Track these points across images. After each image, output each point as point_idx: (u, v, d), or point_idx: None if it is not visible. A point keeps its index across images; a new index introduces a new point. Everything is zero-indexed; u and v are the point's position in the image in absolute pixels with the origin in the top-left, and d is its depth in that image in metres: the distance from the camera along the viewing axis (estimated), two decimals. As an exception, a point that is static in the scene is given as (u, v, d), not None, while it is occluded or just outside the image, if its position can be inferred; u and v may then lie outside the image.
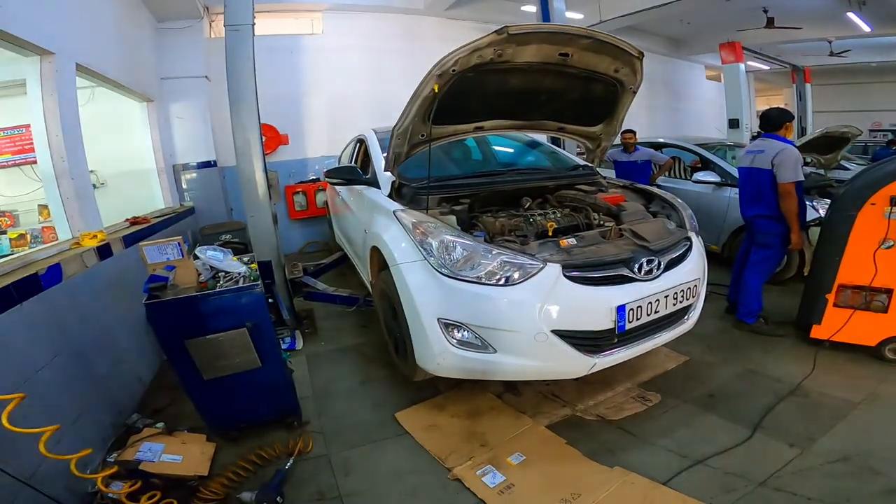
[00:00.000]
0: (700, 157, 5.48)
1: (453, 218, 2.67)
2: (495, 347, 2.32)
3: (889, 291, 2.91)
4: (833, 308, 3.09)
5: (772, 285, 4.26)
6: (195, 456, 2.36)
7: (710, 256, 4.94)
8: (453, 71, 2.42)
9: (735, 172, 4.87)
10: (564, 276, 2.28)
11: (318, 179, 7.32)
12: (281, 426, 2.72)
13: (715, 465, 2.22)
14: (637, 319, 2.38)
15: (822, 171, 5.55)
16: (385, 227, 2.81)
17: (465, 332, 2.35)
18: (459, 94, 2.60)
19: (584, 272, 2.33)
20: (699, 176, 5.07)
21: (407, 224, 2.58)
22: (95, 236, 3.10)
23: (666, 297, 2.47)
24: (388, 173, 3.06)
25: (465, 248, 2.37)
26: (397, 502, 2.17)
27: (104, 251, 3.11)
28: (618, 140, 5.01)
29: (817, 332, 3.17)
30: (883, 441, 2.28)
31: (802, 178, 3.27)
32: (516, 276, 2.28)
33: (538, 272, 2.27)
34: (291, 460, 2.38)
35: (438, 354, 2.41)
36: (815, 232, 3.75)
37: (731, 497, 2.02)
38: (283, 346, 3.70)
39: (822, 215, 3.75)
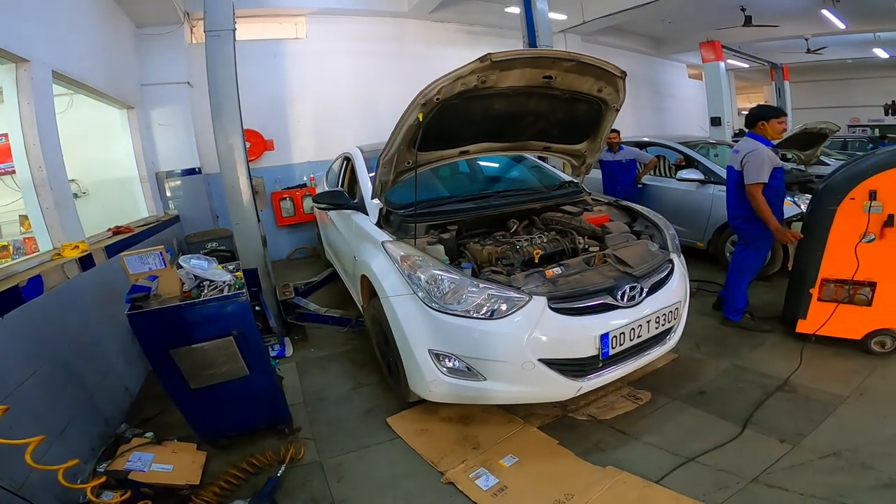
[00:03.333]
0: (684, 155, 5.54)
1: (441, 248, 2.71)
2: (485, 375, 2.36)
3: (872, 284, 2.95)
4: (817, 302, 3.13)
5: (757, 280, 4.30)
6: (186, 465, 2.34)
7: (695, 253, 5.05)
8: (437, 100, 2.43)
9: (717, 170, 4.96)
10: (550, 307, 2.32)
11: (304, 185, 7.27)
12: (272, 433, 2.70)
13: (707, 463, 2.23)
14: (620, 345, 2.43)
15: (802, 167, 5.64)
16: (373, 256, 2.83)
17: (456, 361, 2.39)
18: (444, 121, 2.61)
19: (569, 303, 2.37)
20: (683, 174, 5.13)
21: (395, 256, 2.60)
22: (77, 247, 3.05)
23: (648, 321, 2.51)
24: (376, 200, 3.06)
25: (452, 282, 2.40)
26: (390, 507, 2.16)
27: (86, 262, 3.06)
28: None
29: (803, 326, 3.21)
30: (873, 435, 2.30)
31: (764, 181, 3.23)
32: (503, 308, 2.31)
33: (524, 305, 2.31)
34: (283, 467, 2.37)
35: (430, 382, 2.45)
36: (797, 227, 3.82)
37: (724, 494, 2.03)
38: (273, 354, 3.67)
39: (804, 210, 3.80)
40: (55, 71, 3.41)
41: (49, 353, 2.44)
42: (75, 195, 4.30)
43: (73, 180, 4.23)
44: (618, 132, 5.63)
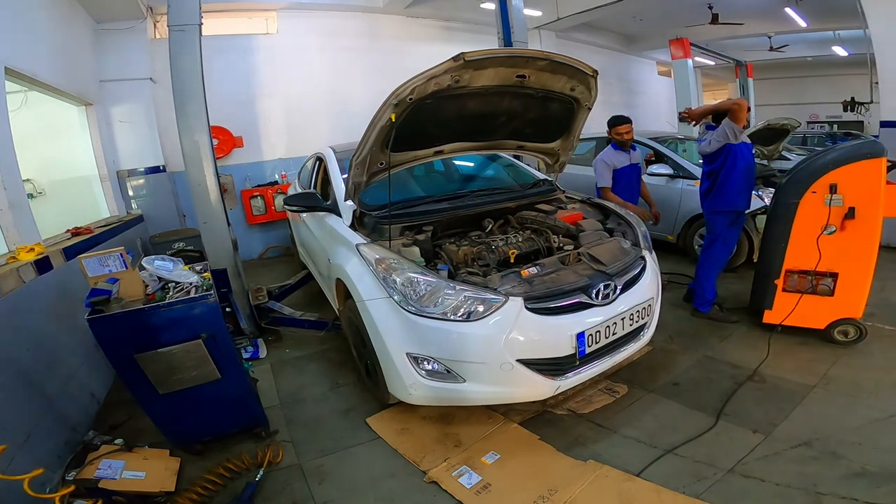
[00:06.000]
0: (654, 150, 5.64)
1: (416, 249, 2.69)
2: (464, 377, 2.35)
3: (834, 275, 3.05)
4: (782, 293, 3.22)
5: (725, 272, 4.43)
6: (159, 471, 2.28)
7: (666, 246, 5.15)
8: (410, 99, 2.40)
9: (686, 165, 5.06)
10: (526, 307, 2.32)
11: (276, 183, 7.12)
12: (248, 437, 2.65)
13: (684, 454, 2.27)
14: (596, 343, 2.45)
15: (765, 162, 5.81)
16: (347, 259, 2.79)
17: (434, 364, 2.38)
18: (418, 121, 2.59)
19: (545, 303, 2.37)
20: (653, 169, 5.22)
21: (370, 259, 2.56)
22: (32, 249, 2.91)
23: (622, 319, 2.54)
24: (349, 202, 3.01)
25: (428, 285, 2.38)
26: (374, 508, 2.14)
27: (43, 265, 2.92)
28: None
29: (769, 317, 3.30)
30: (840, 424, 2.36)
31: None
32: (480, 309, 2.30)
33: (501, 306, 2.30)
34: (262, 472, 2.32)
35: (410, 385, 2.43)
36: (762, 220, 3.92)
37: (703, 485, 2.06)
38: (246, 356, 3.58)
39: (767, 204, 3.92)
40: (7, 67, 3.26)
41: (7, 361, 2.34)
42: (31, 195, 4.11)
43: (28, 180, 4.04)
44: (630, 123, 4.09)
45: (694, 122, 3.73)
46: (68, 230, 3.90)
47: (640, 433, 2.46)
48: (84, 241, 3.73)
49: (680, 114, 3.67)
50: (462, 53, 2.28)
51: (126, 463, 2.23)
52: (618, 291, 2.54)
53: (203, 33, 3.64)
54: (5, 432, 2.08)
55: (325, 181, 3.82)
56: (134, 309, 2.07)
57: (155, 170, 5.99)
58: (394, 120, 2.46)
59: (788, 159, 6.24)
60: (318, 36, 7.33)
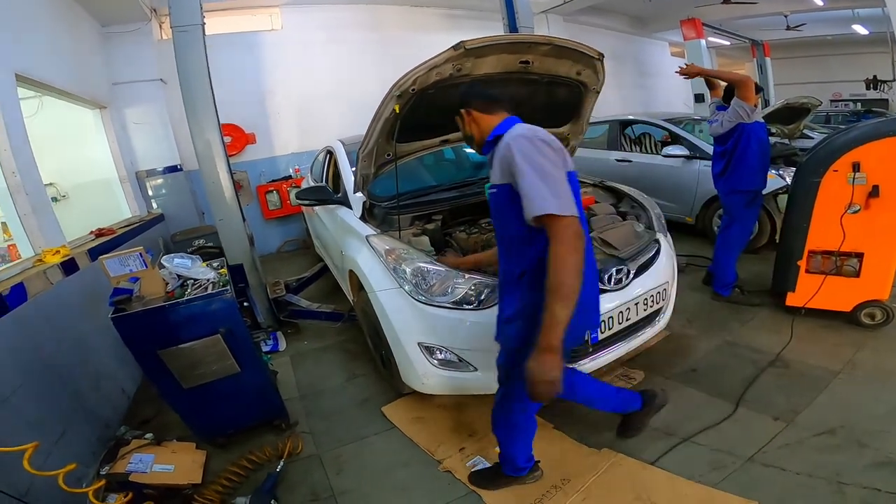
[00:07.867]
0: (669, 132, 5.54)
1: (426, 239, 2.69)
2: (476, 366, 2.35)
3: (860, 255, 2.95)
4: (806, 275, 3.13)
5: (745, 254, 4.34)
6: (187, 464, 2.35)
7: (685, 228, 5.06)
8: (413, 90, 2.39)
9: (702, 145, 4.96)
10: None
11: (290, 177, 7.18)
12: (269, 429, 2.71)
13: (702, 443, 2.23)
14: (609, 329, 2.42)
15: (786, 141, 5.66)
16: (358, 250, 2.81)
17: (447, 353, 2.38)
18: (422, 111, 2.57)
19: None
20: (669, 150, 5.14)
21: (380, 250, 2.58)
22: (58, 252, 2.99)
23: (636, 304, 2.50)
24: (359, 193, 3.02)
25: (438, 274, 2.39)
26: (390, 497, 2.18)
27: (69, 266, 3.00)
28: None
29: (792, 299, 3.22)
30: (866, 411, 2.28)
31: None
32: (491, 296, 2.29)
33: None
34: (283, 462, 2.38)
35: (423, 375, 2.45)
36: (783, 199, 3.82)
37: (720, 474, 2.02)
38: (266, 349, 3.65)
39: (789, 183, 3.82)
40: (19, 74, 3.32)
41: (40, 360, 2.42)
42: (54, 199, 4.20)
43: (50, 184, 4.13)
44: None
45: (688, 77, 3.68)
46: (92, 231, 3.99)
47: (657, 421, 2.40)
48: (108, 242, 3.82)
49: (680, 67, 3.65)
50: (462, 42, 2.25)
51: (156, 456, 2.31)
52: (631, 276, 2.51)
53: (207, 32, 3.66)
54: (42, 430, 2.17)
55: (336, 174, 3.84)
56: (155, 306, 2.13)
57: (173, 169, 6.09)
58: (397, 111, 2.44)
59: (811, 138, 6.07)
60: (323, 30, 7.33)
